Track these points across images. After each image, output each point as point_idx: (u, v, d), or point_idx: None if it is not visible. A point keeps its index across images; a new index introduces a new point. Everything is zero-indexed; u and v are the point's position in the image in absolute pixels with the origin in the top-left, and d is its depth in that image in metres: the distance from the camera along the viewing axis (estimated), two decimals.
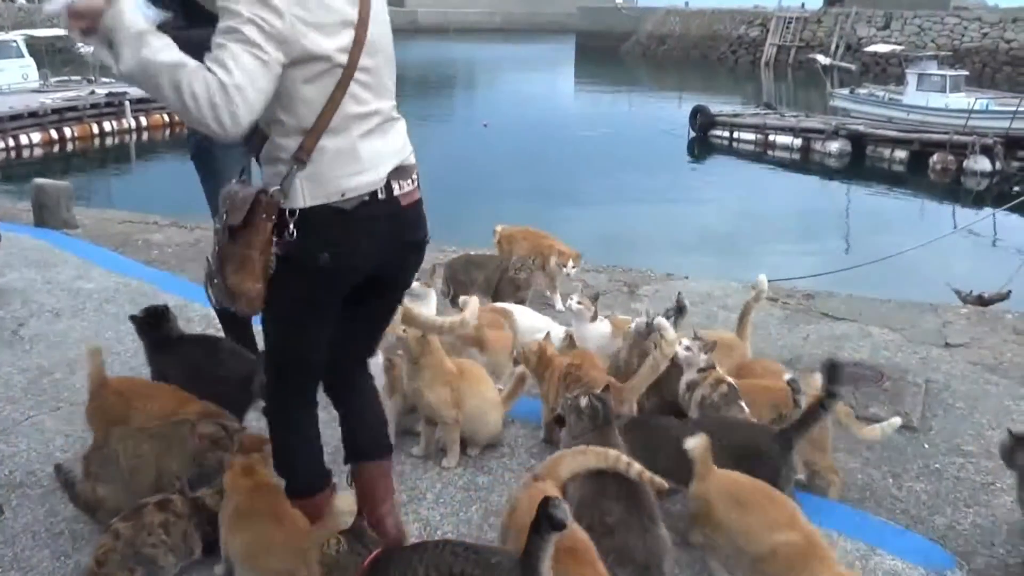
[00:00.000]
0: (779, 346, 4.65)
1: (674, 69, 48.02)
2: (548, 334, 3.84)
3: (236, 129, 1.90)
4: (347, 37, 2.03)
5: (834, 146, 22.29)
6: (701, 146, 24.93)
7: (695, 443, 2.54)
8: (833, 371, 2.80)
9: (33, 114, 22.14)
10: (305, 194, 2.07)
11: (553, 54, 55.81)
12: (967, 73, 27.01)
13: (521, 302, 4.73)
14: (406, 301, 2.95)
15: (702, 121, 25.26)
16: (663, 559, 2.41)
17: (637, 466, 2.46)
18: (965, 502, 3.21)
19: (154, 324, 3.48)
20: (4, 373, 4.12)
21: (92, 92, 24.21)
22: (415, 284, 4.17)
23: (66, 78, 27.28)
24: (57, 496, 3.03)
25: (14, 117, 21.65)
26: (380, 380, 3.07)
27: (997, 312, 5.81)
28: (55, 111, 22.65)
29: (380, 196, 2.16)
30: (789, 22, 48.25)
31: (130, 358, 4.20)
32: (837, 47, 42.49)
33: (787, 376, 2.98)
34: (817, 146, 22.72)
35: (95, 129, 23.37)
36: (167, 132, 24.20)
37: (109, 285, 5.41)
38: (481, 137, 25.48)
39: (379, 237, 2.20)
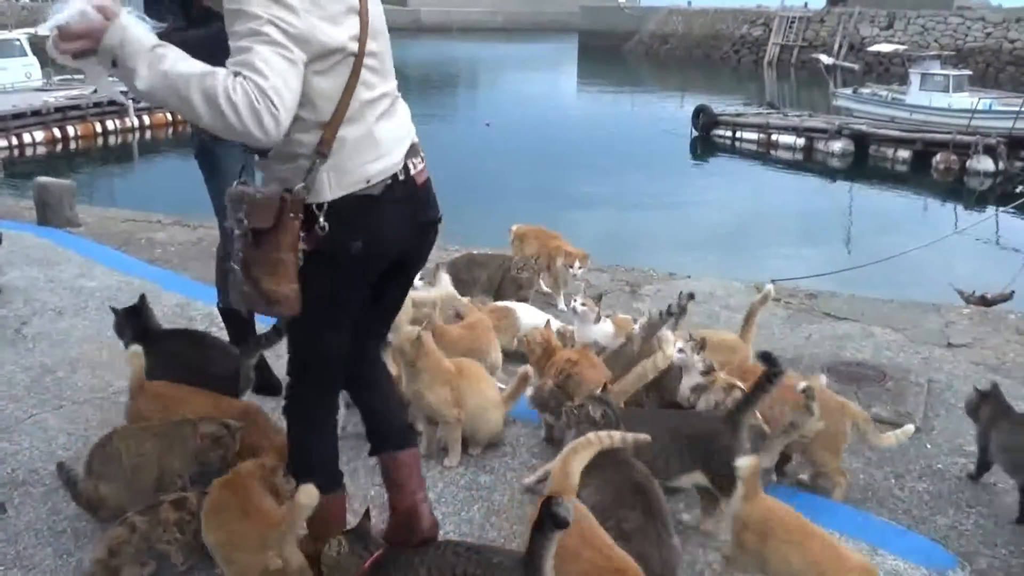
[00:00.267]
0: (782, 346, 4.64)
1: (677, 68, 47.98)
2: (548, 322, 3.84)
3: (278, 133, 1.86)
4: (354, 23, 2.02)
5: (837, 146, 22.24)
6: (704, 146, 24.89)
7: (746, 464, 2.48)
8: (768, 358, 2.89)
9: (36, 112, 22.13)
10: (332, 186, 2.06)
11: (556, 53, 55.78)
12: (970, 73, 26.93)
13: (523, 301, 4.74)
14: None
15: (705, 121, 25.23)
16: (676, 569, 2.42)
17: (625, 436, 2.50)
18: (967, 502, 3.21)
19: (135, 318, 3.49)
20: (7, 371, 4.13)
21: (95, 91, 24.18)
22: (418, 282, 4.19)
23: (69, 77, 27.23)
24: (59, 494, 3.03)
25: (17, 115, 21.65)
26: None
27: (1000, 312, 5.80)
28: (58, 110, 22.65)
29: (400, 178, 2.16)
30: (792, 22, 48.18)
31: None
32: (840, 47, 42.44)
33: (802, 384, 2.99)
34: (820, 146, 22.68)
35: (98, 128, 23.36)
36: (170, 131, 24.20)
37: (112, 284, 5.42)
38: (483, 137, 25.46)
39: (404, 219, 2.21)
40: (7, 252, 5.57)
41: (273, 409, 3.49)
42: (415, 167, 2.22)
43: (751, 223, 16.44)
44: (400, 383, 3.33)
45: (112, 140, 23.67)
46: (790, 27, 48.05)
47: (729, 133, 24.83)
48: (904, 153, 21.50)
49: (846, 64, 32.01)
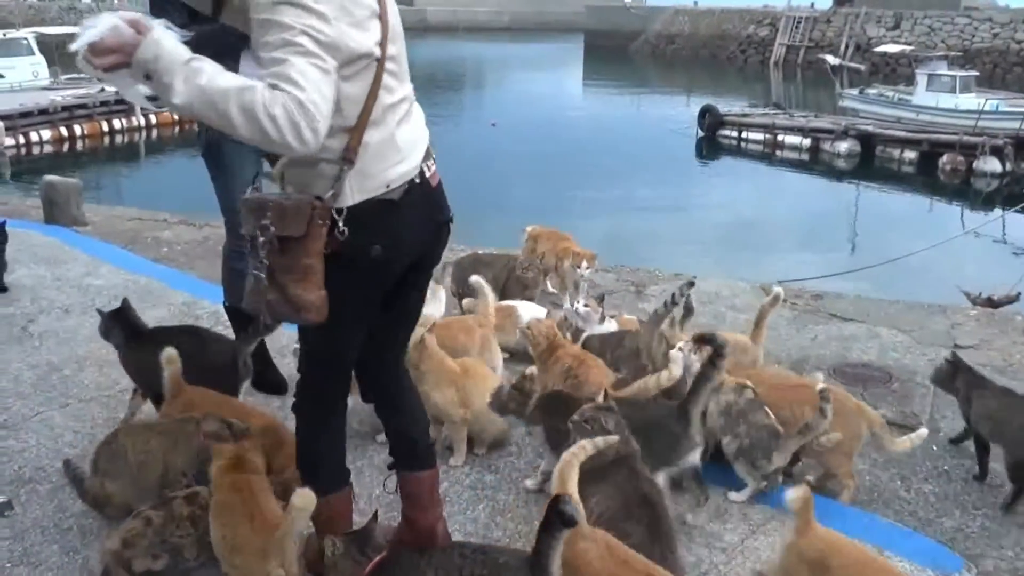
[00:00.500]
0: (787, 346, 4.63)
1: (683, 69, 47.93)
2: (548, 312, 3.83)
3: (317, 144, 1.86)
4: (376, 28, 2.02)
5: (843, 146, 22.20)
6: (709, 146, 24.85)
7: (795, 496, 2.35)
8: (711, 339, 2.95)
9: (43, 111, 22.19)
10: (354, 191, 2.05)
11: (561, 53, 55.76)
12: (977, 74, 26.81)
13: (529, 301, 4.74)
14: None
15: (710, 121, 25.19)
16: None
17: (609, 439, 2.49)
18: (974, 504, 3.20)
19: (124, 319, 3.49)
20: (14, 369, 4.14)
21: (102, 90, 24.16)
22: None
23: (76, 76, 27.34)
24: (66, 492, 3.04)
25: (24, 114, 21.71)
26: None
27: (1007, 314, 5.79)
28: (65, 108, 22.72)
29: (416, 181, 2.16)
30: (798, 22, 48.06)
31: None
32: (847, 47, 42.35)
33: (820, 387, 2.99)
34: (826, 146, 22.63)
35: (105, 127, 23.42)
36: (176, 130, 24.26)
37: (118, 282, 5.44)
38: (489, 137, 25.47)
39: (421, 222, 2.21)
40: (14, 250, 5.58)
41: (279, 408, 3.51)
42: (429, 169, 2.22)
43: (757, 223, 16.42)
44: None
45: (119, 139, 23.74)
46: (796, 27, 47.93)
47: (735, 133, 24.79)
48: (911, 154, 21.43)
49: (852, 64, 31.98)
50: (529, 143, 23.91)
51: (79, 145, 22.68)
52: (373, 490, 3.09)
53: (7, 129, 20.88)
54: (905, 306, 5.48)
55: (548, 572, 1.98)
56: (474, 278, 4.16)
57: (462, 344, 3.79)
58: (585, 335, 3.93)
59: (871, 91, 27.12)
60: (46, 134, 22.02)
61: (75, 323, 4.73)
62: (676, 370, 3.17)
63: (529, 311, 4.40)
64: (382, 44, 2.03)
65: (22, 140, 21.44)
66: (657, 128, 27.51)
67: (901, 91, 26.00)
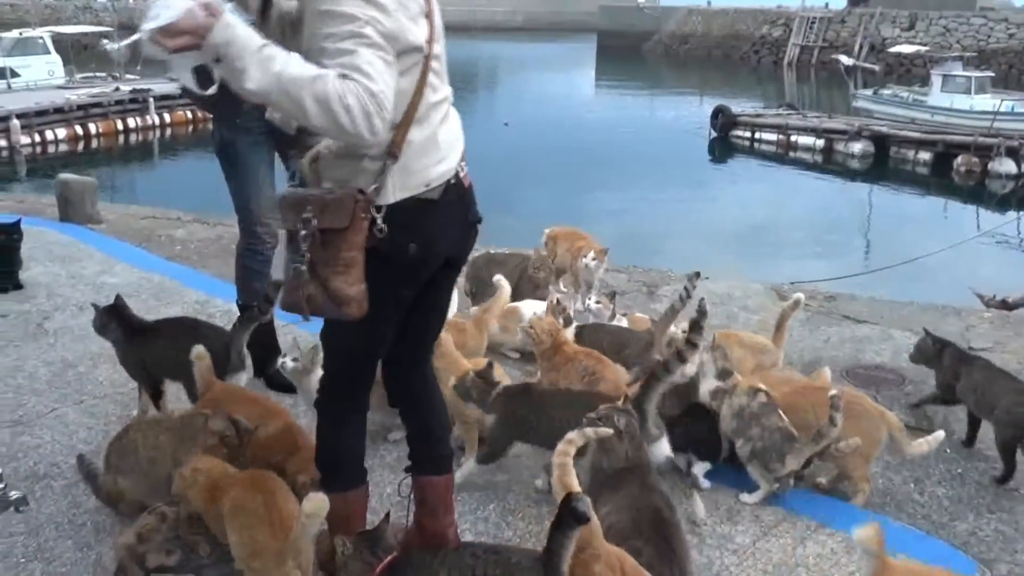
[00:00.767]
0: (800, 348, 4.61)
1: (696, 69, 47.80)
2: (549, 302, 3.82)
3: (385, 135, 1.90)
4: (425, 25, 2.04)
5: (857, 147, 22.09)
6: (722, 146, 24.79)
7: (865, 534, 2.15)
8: (695, 323, 3.04)
9: (59, 110, 22.32)
10: (396, 188, 2.05)
11: (574, 53, 55.71)
12: (993, 74, 26.67)
13: (541, 301, 4.73)
14: None
15: (723, 121, 25.11)
16: None
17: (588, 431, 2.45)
18: (988, 508, 3.18)
19: (119, 314, 3.51)
20: (29, 366, 4.17)
21: (117, 89, 24.41)
22: None
23: (91, 74, 27.52)
24: (80, 488, 3.06)
25: (40, 113, 21.83)
26: None
27: (1021, 316, 5.75)
28: (80, 107, 22.85)
29: (452, 182, 2.17)
30: (812, 22, 47.85)
31: None
32: (861, 48, 42.14)
33: (832, 391, 2.98)
34: (840, 147, 22.53)
35: (119, 125, 23.53)
36: (190, 128, 24.37)
37: (132, 280, 5.47)
38: (502, 136, 25.47)
39: (455, 222, 2.22)
40: (30, 248, 5.62)
41: (291, 406, 3.52)
42: (463, 170, 2.23)
43: (769, 224, 16.36)
44: None
45: (133, 138, 23.86)
46: (810, 28, 47.72)
47: (748, 134, 24.71)
48: (925, 155, 21.31)
49: (867, 65, 31.84)
50: (541, 143, 23.91)
51: (94, 144, 22.81)
52: (384, 489, 3.09)
53: (23, 128, 21.02)
54: (919, 308, 5.45)
55: (560, 571, 1.97)
56: (498, 277, 4.17)
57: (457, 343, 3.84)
58: (576, 324, 3.92)
59: (885, 92, 26.99)
60: (61, 133, 22.16)
61: (90, 320, 4.72)
62: (689, 370, 3.16)
63: (530, 309, 4.39)
64: (429, 42, 2.05)
65: (37, 139, 21.57)
66: (670, 128, 27.48)
67: (916, 92, 25.86)
